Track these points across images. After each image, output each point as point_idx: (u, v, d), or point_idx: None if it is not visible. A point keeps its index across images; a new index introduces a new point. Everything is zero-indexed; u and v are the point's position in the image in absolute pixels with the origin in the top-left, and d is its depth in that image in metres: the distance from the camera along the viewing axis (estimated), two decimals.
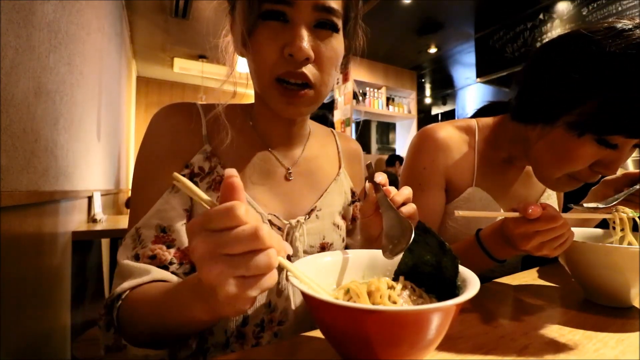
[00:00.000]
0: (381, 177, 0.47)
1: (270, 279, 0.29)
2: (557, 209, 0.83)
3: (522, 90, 0.67)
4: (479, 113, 0.88)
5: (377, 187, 0.47)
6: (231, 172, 0.29)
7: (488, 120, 0.79)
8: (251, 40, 0.49)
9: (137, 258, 0.49)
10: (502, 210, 0.76)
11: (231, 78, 0.56)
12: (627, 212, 0.62)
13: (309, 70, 0.50)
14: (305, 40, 0.47)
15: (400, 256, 0.42)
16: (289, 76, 0.49)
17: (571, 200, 0.76)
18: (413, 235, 0.40)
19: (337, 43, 0.52)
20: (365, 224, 0.51)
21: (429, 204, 0.74)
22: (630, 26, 0.54)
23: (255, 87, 0.56)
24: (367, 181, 0.49)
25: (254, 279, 0.28)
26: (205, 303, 0.34)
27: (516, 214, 0.52)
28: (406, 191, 0.48)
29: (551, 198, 0.87)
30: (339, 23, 0.51)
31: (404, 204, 0.47)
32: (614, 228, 0.62)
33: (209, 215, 0.28)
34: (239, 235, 0.27)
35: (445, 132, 0.75)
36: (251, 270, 0.28)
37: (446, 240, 0.39)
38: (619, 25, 0.55)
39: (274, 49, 0.48)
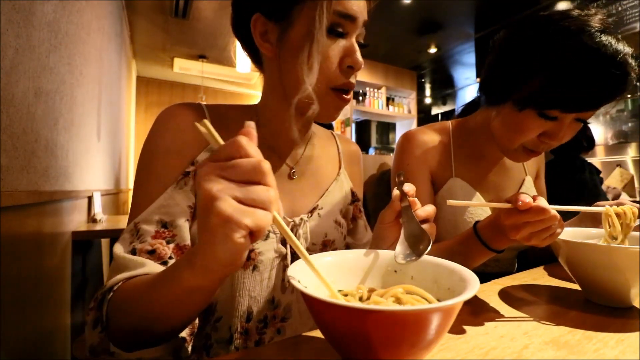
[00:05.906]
0: (409, 188, 0.48)
1: (265, 217, 0.29)
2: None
3: (487, 74, 0.76)
4: (465, 111, 0.95)
5: (403, 196, 0.47)
6: (250, 124, 0.31)
7: (462, 120, 0.89)
8: (312, 51, 0.51)
9: (133, 252, 0.48)
10: (478, 195, 0.82)
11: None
12: (625, 209, 0.58)
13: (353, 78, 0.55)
14: (359, 53, 0.52)
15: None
16: (347, 86, 0.54)
17: (557, 198, 0.78)
18: (429, 247, 0.41)
19: None
20: (382, 231, 0.52)
21: (417, 194, 0.81)
22: (575, 14, 0.62)
23: (286, 92, 0.55)
24: (395, 188, 0.50)
25: (250, 208, 0.29)
26: (194, 267, 0.33)
27: (508, 205, 0.53)
28: (429, 208, 0.49)
29: (530, 190, 0.90)
30: None
31: (426, 220, 0.48)
32: (609, 225, 0.60)
33: (216, 150, 0.30)
34: (241, 164, 0.29)
35: (423, 133, 0.86)
36: (249, 195, 0.29)
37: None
38: (574, 13, 0.63)
39: (334, 61, 0.52)
